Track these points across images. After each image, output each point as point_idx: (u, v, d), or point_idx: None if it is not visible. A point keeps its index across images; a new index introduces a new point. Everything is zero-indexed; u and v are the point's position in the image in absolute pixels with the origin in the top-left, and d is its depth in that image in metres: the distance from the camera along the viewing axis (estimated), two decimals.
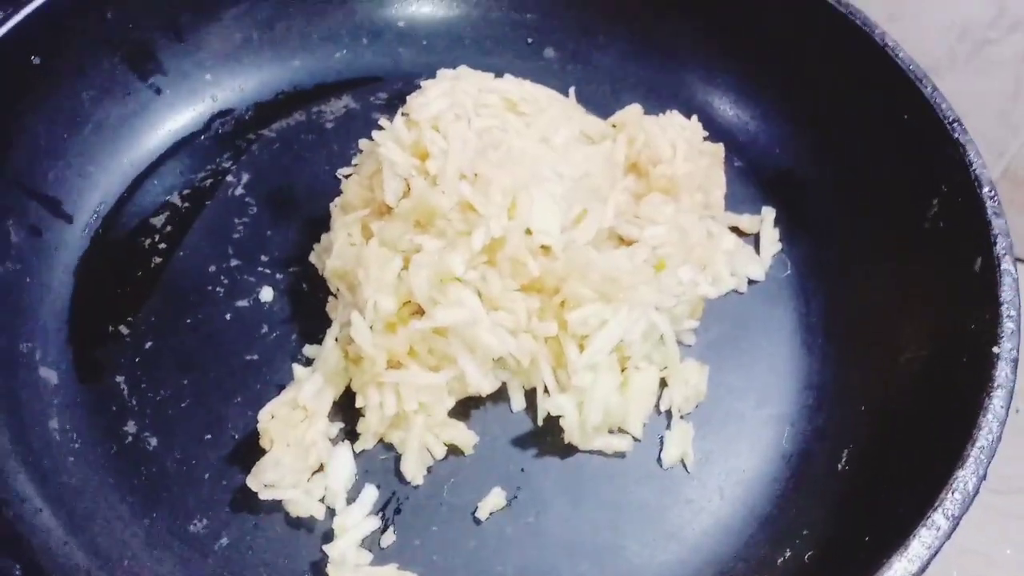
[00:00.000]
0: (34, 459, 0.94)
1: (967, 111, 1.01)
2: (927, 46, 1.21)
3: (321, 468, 0.94)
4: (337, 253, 1.01)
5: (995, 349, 0.83)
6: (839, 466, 0.95)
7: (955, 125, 0.99)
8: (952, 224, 0.98)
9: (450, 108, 1.07)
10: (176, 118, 1.23)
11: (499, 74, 1.13)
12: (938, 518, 0.74)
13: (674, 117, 1.13)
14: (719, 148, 1.14)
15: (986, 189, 0.94)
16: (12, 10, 1.06)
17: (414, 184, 0.97)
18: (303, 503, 0.91)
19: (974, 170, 0.96)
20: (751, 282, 1.11)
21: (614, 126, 1.15)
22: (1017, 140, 1.34)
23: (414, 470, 0.95)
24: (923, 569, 0.72)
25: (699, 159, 1.10)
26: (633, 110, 1.14)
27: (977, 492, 0.76)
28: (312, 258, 1.10)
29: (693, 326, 1.06)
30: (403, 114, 1.04)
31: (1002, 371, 0.83)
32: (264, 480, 0.89)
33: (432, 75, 1.23)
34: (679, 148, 1.09)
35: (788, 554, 0.89)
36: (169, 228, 1.14)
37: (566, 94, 1.15)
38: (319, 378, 0.96)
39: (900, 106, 1.04)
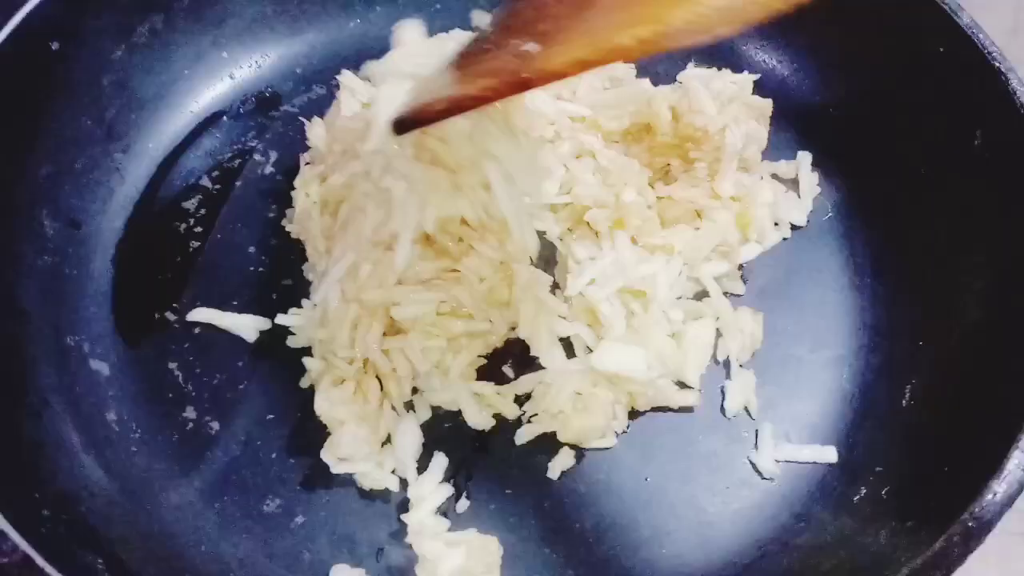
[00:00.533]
0: (97, 452, 0.92)
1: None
2: None
3: (389, 440, 0.94)
4: (297, 216, 1.02)
5: None
6: (903, 402, 0.95)
7: (994, 54, 0.99)
8: (998, 153, 0.98)
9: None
10: (197, 99, 1.20)
11: None
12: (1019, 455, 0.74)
13: (724, 74, 1.12)
14: (767, 104, 1.12)
15: None
16: None
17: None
18: (376, 476, 0.91)
19: (1018, 98, 0.96)
20: (794, 228, 1.11)
21: None
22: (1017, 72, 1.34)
23: (475, 417, 0.95)
24: (1021, 489, 0.73)
25: (747, 115, 1.09)
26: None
27: None
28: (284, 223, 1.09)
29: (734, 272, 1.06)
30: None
31: None
32: (339, 454, 0.89)
33: None
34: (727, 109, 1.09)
35: (864, 492, 0.90)
36: (203, 211, 1.11)
37: None
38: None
39: (936, 38, 1.03)
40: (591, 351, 0.97)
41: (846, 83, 1.16)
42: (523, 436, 0.95)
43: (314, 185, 1.05)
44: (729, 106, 1.10)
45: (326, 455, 0.89)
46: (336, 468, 0.90)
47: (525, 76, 0.75)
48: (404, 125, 0.86)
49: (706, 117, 1.08)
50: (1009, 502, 0.74)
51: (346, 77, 1.14)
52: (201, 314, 1.03)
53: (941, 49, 1.03)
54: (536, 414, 0.95)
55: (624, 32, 0.69)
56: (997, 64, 0.98)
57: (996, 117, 0.97)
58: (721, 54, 1.22)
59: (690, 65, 1.15)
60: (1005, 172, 0.96)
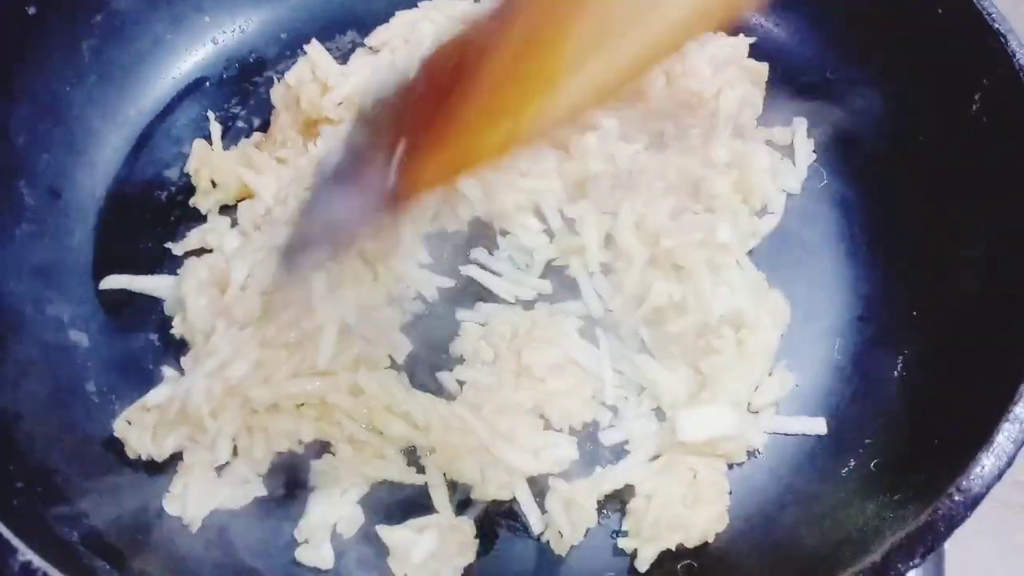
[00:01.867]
0: (75, 423, 0.91)
1: None
2: None
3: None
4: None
5: None
6: (895, 373, 0.94)
7: (994, 15, 0.96)
8: (997, 119, 0.95)
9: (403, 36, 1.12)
10: (179, 65, 1.18)
11: None
12: (1019, 411, 0.73)
13: (719, 37, 1.09)
14: (763, 67, 1.09)
15: None
16: None
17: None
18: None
19: (1017, 60, 0.93)
20: (788, 196, 1.09)
21: None
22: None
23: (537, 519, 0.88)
24: (1010, 463, 0.71)
25: (742, 79, 1.07)
26: None
27: None
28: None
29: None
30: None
31: None
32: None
33: None
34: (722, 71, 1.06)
35: (852, 464, 0.89)
36: (185, 179, 1.09)
37: None
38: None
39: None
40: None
41: (843, 46, 1.13)
42: (644, 563, 0.85)
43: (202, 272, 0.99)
44: (724, 70, 1.08)
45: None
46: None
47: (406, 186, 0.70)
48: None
49: (700, 81, 1.05)
50: (998, 475, 0.73)
51: (313, 48, 1.12)
52: (113, 281, 1.01)
53: (939, 10, 1.00)
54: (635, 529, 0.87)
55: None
56: (996, 25, 0.95)
57: (995, 81, 0.94)
58: None
59: None
60: (1003, 138, 0.93)
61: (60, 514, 0.81)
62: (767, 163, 1.06)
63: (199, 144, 1.10)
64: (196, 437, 0.89)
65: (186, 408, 0.87)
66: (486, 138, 0.67)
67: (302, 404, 0.88)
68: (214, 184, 1.08)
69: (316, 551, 0.85)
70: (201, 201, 1.07)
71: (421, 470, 0.88)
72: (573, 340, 0.94)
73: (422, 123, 0.70)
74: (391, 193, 0.71)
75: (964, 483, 0.71)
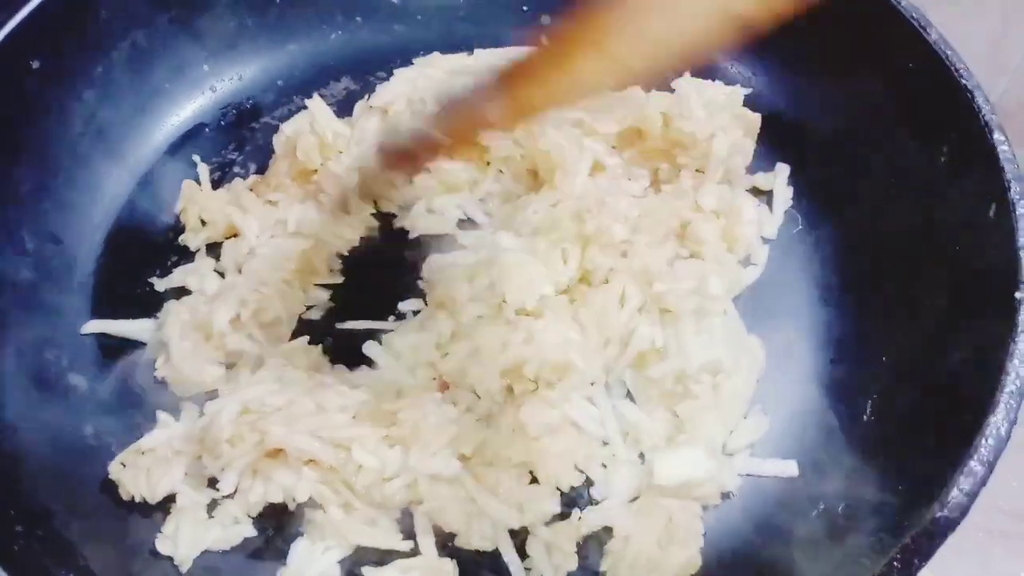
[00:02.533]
0: (73, 466, 0.95)
1: (957, 51, 1.01)
2: None
3: None
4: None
5: (1017, 295, 0.85)
6: (864, 417, 0.97)
7: (962, 71, 0.99)
8: (963, 171, 0.98)
9: (405, 95, 1.16)
10: (178, 112, 1.22)
11: (476, 48, 1.21)
12: (974, 465, 0.76)
13: (717, 85, 1.14)
14: (756, 118, 1.13)
15: (996, 135, 0.94)
16: (7, 14, 1.04)
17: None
18: None
19: (983, 116, 0.96)
20: (764, 241, 1.12)
21: None
22: (1004, 78, 1.34)
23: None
24: (963, 515, 0.74)
25: (735, 127, 1.11)
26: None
27: (1009, 437, 0.78)
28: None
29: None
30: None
31: None
32: None
33: (429, 50, 1.25)
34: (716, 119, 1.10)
35: (821, 507, 0.92)
36: (181, 225, 1.13)
37: None
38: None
39: (904, 54, 1.04)
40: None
41: (819, 98, 1.17)
42: None
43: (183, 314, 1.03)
44: (718, 116, 1.11)
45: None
46: None
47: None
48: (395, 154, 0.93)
49: (695, 123, 1.09)
50: (962, 513, 0.76)
51: (315, 103, 1.17)
52: (94, 326, 1.05)
53: (910, 65, 1.04)
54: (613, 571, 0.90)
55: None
56: (964, 81, 0.98)
57: (961, 133, 0.98)
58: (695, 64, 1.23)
59: (686, 74, 1.16)
60: (968, 189, 0.96)
61: (58, 558, 0.84)
62: (754, 215, 1.10)
63: (188, 184, 1.14)
64: (193, 473, 0.93)
65: (209, 429, 0.90)
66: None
67: (309, 461, 0.90)
68: (203, 223, 1.12)
69: None
70: (190, 239, 1.11)
71: (411, 536, 0.91)
72: (576, 401, 0.96)
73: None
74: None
75: (928, 524, 0.74)
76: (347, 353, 1.02)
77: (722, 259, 1.06)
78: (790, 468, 0.96)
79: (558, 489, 0.93)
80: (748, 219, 1.09)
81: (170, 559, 0.90)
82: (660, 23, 0.71)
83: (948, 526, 0.77)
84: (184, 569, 0.89)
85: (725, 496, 0.95)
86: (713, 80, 1.16)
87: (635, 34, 0.72)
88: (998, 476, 1.10)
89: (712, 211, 1.09)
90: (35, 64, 1.07)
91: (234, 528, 0.91)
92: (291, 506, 0.91)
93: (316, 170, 1.14)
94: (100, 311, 1.07)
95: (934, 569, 1.10)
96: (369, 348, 1.01)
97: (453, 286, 1.01)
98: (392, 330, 1.03)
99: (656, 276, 1.01)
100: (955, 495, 0.75)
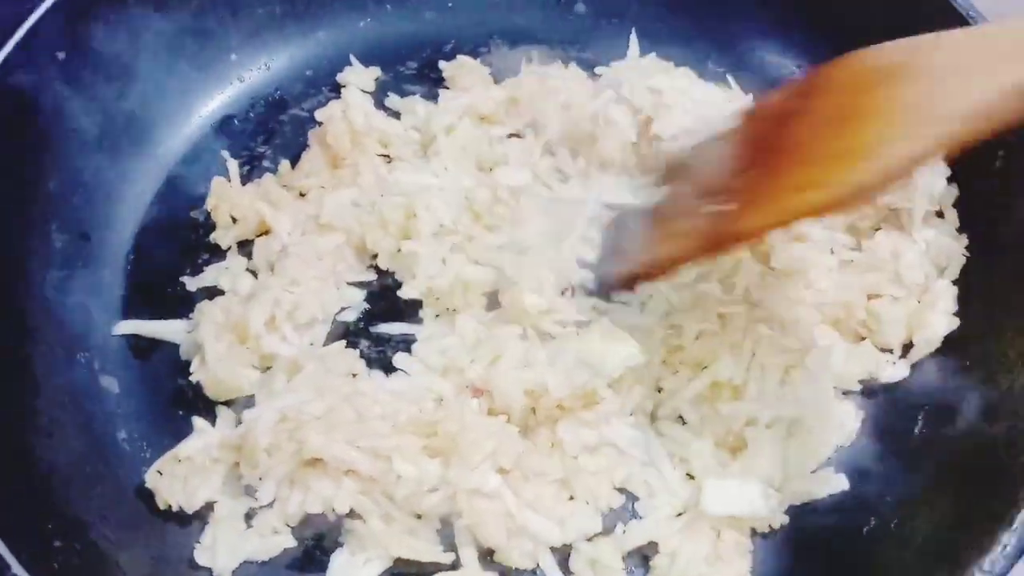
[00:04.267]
0: (108, 473, 0.93)
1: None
2: None
3: None
4: None
5: None
6: (916, 429, 0.94)
7: None
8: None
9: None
10: (207, 103, 1.19)
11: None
12: None
13: None
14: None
15: None
16: (32, 4, 1.01)
17: None
18: None
19: None
20: None
21: None
22: None
23: None
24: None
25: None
26: None
27: None
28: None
29: None
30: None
31: None
32: None
33: (460, 39, 1.22)
34: None
35: (873, 522, 0.89)
36: (211, 221, 1.10)
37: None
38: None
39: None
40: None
41: None
42: None
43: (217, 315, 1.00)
44: None
45: None
46: None
47: (722, 235, 0.80)
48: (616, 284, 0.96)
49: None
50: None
51: (349, 91, 1.15)
52: (126, 327, 1.03)
53: None
54: None
55: (802, 195, 0.74)
56: None
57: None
58: (739, 57, 1.21)
59: None
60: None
61: (96, 570, 0.83)
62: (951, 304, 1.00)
63: (218, 181, 1.11)
64: (230, 481, 0.91)
65: (247, 438, 0.88)
66: (800, 200, 0.75)
67: (348, 471, 0.88)
68: (234, 220, 1.09)
69: None
70: (221, 237, 1.08)
71: (452, 548, 0.89)
72: (615, 423, 0.93)
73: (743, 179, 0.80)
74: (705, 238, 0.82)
75: (987, 563, 0.72)
76: (382, 358, 1.01)
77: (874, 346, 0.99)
78: (841, 482, 0.93)
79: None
80: (943, 309, 0.99)
81: (208, 570, 0.88)
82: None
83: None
84: None
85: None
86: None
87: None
88: None
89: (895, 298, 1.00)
90: (61, 55, 1.04)
91: (273, 539, 0.90)
92: (331, 517, 0.89)
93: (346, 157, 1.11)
94: (130, 311, 1.05)
95: None
96: (400, 360, 0.99)
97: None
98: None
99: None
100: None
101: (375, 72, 1.22)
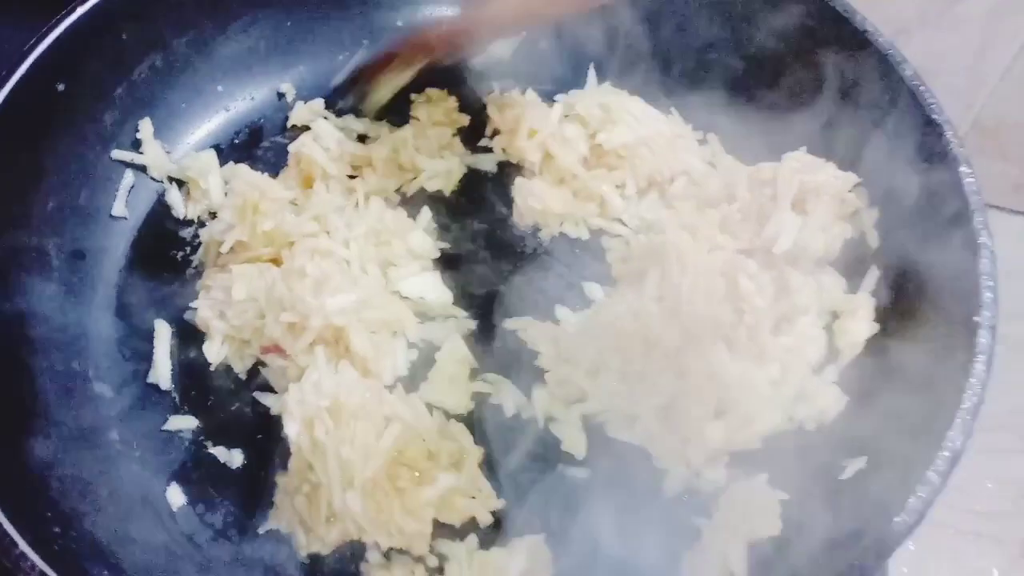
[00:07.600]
0: (100, 469, 1.01)
1: (937, 66, 1.07)
2: (900, 6, 1.28)
3: None
4: None
5: (976, 318, 0.92)
6: None
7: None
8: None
9: None
10: (194, 132, 1.28)
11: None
12: (931, 476, 0.84)
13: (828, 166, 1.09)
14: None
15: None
16: (36, 39, 1.09)
17: None
18: None
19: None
20: None
21: None
22: (984, 91, 1.40)
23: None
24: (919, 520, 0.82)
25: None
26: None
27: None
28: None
29: None
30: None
31: (983, 338, 0.92)
32: None
33: (432, 71, 1.30)
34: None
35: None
36: (198, 240, 1.19)
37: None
38: None
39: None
40: None
41: None
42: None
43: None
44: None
45: None
46: None
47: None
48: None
49: None
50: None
51: (318, 124, 1.25)
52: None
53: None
54: None
55: None
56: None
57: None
58: None
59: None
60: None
61: (92, 556, 0.90)
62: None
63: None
64: None
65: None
66: None
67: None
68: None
69: None
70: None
71: None
72: None
73: None
74: None
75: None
76: None
77: None
78: None
79: None
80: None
81: (201, 555, 0.97)
82: None
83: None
84: None
85: None
86: None
87: None
88: (973, 480, 1.19)
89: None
90: (60, 87, 1.12)
91: None
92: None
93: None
94: (126, 322, 1.13)
95: (910, 567, 1.19)
96: None
97: None
98: None
99: None
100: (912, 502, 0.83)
101: (318, 104, 1.31)
